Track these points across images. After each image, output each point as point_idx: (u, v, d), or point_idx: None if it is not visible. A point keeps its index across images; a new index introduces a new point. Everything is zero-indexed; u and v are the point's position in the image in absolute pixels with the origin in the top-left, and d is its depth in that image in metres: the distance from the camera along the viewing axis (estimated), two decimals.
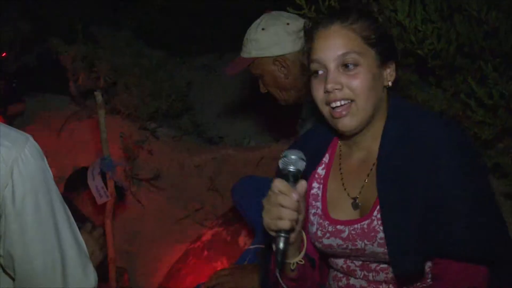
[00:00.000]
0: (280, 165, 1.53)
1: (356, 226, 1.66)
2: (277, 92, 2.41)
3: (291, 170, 1.52)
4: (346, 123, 1.63)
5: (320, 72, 1.65)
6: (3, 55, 4.30)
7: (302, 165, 1.53)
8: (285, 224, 1.48)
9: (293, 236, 1.54)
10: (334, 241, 1.70)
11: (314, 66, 1.66)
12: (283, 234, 1.49)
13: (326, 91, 1.61)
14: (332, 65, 1.62)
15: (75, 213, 1.58)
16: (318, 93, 1.65)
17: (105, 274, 2.67)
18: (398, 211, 1.57)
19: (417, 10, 2.38)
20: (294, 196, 1.48)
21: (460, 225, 1.53)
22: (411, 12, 2.39)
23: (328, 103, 1.63)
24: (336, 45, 1.62)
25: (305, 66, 1.73)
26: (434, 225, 1.54)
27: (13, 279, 1.48)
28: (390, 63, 1.68)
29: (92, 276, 1.52)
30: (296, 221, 1.52)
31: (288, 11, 2.48)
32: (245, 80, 4.28)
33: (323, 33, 1.65)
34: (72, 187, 3.22)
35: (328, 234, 1.71)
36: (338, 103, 1.62)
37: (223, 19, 4.93)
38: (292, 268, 1.63)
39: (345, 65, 1.61)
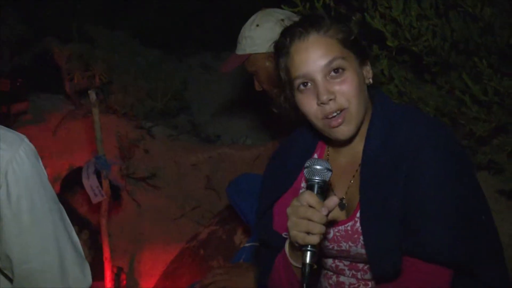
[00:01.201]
0: (306, 175, 1.51)
1: (340, 228, 1.66)
2: (272, 90, 2.40)
3: (317, 180, 1.49)
4: (344, 131, 1.61)
5: (306, 85, 1.61)
6: None
7: (328, 175, 1.50)
8: (314, 239, 1.46)
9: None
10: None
11: (299, 81, 1.62)
12: (310, 248, 1.47)
13: (321, 103, 1.58)
14: (319, 76, 1.58)
15: (71, 213, 1.59)
16: (310, 107, 1.61)
17: (98, 274, 2.67)
18: (377, 212, 1.56)
19: (412, 7, 2.37)
20: (324, 211, 1.46)
21: (431, 227, 1.51)
22: (406, 8, 2.39)
23: (324, 117, 1.60)
24: (318, 55, 1.59)
25: (283, 82, 1.69)
26: (409, 226, 1.53)
27: (11, 281, 1.48)
28: (366, 62, 1.66)
29: (89, 275, 1.53)
30: (324, 234, 1.50)
31: (282, 9, 2.48)
32: (241, 78, 4.28)
33: (301, 46, 1.61)
34: (68, 187, 3.22)
35: None
36: (334, 114, 1.59)
37: (219, 18, 4.93)
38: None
39: (333, 72, 1.58)
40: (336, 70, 1.59)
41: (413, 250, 1.53)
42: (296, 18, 2.31)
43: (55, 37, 4.27)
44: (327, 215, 1.47)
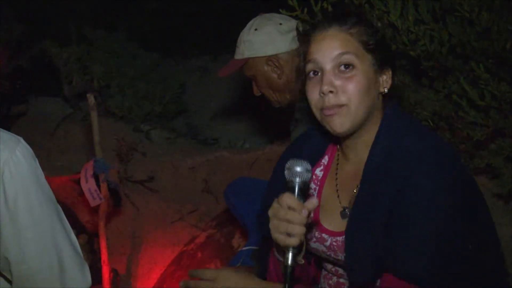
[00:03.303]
0: (286, 177, 1.50)
1: (338, 238, 1.66)
2: (271, 94, 2.41)
3: (297, 182, 1.49)
4: (337, 122, 1.59)
5: (316, 73, 1.62)
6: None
7: (308, 176, 1.50)
8: (294, 241, 1.46)
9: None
10: (319, 247, 1.70)
11: (310, 66, 1.63)
12: (291, 250, 1.47)
13: (322, 93, 1.58)
14: (328, 66, 1.59)
15: (70, 217, 1.59)
16: (313, 96, 1.62)
17: (95, 277, 2.67)
18: (363, 225, 1.55)
19: (409, 11, 2.38)
20: (304, 212, 1.46)
21: (410, 246, 1.49)
22: (403, 13, 2.40)
23: (322, 108, 1.60)
24: (332, 46, 1.60)
25: (300, 69, 1.70)
26: (391, 242, 1.52)
27: (10, 282, 1.48)
28: (387, 70, 1.65)
29: (88, 276, 1.53)
30: (304, 235, 1.49)
31: (280, 13, 2.48)
32: (240, 82, 4.29)
33: (320, 36, 1.62)
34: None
35: (314, 239, 1.70)
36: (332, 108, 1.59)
37: (217, 21, 4.93)
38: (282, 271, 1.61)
39: (342, 66, 1.58)
40: (346, 65, 1.58)
41: (390, 266, 1.52)
42: (294, 22, 2.34)
43: (53, 40, 4.27)
44: (308, 216, 1.47)
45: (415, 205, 1.51)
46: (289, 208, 1.46)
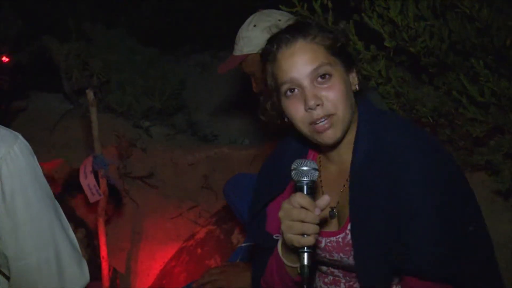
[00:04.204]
0: (293, 177, 1.51)
1: (332, 238, 1.66)
2: None
3: (306, 181, 1.49)
4: (331, 135, 1.60)
5: (293, 90, 1.61)
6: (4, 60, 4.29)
7: (315, 174, 1.50)
8: (310, 240, 1.46)
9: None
10: None
11: (286, 86, 1.62)
12: (306, 250, 1.47)
13: (309, 109, 1.58)
14: (306, 82, 1.59)
15: (69, 213, 1.58)
16: (297, 113, 1.61)
17: (92, 273, 2.68)
18: (366, 225, 1.55)
19: (410, 8, 2.38)
20: (317, 211, 1.46)
21: (419, 243, 1.50)
22: (403, 9, 2.40)
23: (311, 122, 1.60)
24: (305, 61, 1.59)
25: (271, 89, 1.69)
26: (399, 240, 1.51)
27: (9, 278, 1.48)
28: (352, 68, 1.67)
29: (87, 272, 1.53)
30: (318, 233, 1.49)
31: (281, 9, 2.48)
32: (240, 78, 4.28)
33: (288, 52, 1.62)
34: (69, 187, 3.23)
35: None
36: (322, 120, 1.59)
37: (217, 18, 4.92)
38: (299, 271, 1.58)
39: (320, 78, 1.59)
40: (323, 76, 1.59)
41: (405, 267, 1.52)
42: (293, 19, 2.33)
43: (53, 36, 4.26)
44: (319, 215, 1.47)
45: (414, 199, 1.51)
46: (302, 207, 1.46)
